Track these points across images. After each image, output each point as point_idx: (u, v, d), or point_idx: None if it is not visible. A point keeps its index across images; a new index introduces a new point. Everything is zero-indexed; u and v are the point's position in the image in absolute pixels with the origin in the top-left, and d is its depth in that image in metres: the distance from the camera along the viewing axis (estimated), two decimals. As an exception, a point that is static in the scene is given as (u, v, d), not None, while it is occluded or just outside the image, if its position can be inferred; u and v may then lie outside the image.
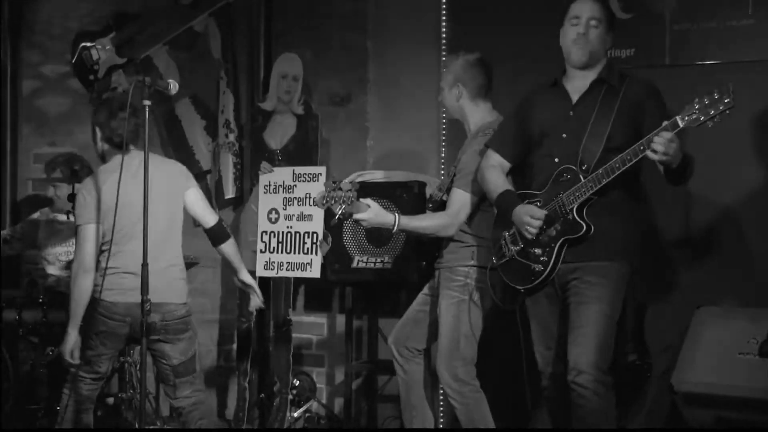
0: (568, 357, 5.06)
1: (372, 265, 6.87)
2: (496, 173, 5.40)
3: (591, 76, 5.21)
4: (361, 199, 5.68)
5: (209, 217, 6.10)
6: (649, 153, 4.70)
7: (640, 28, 6.85)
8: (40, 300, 7.17)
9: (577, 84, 5.24)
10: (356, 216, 5.72)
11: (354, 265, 7.01)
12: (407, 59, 7.63)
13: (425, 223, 5.95)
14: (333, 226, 6.48)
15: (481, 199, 5.89)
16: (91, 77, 8.27)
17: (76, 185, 6.37)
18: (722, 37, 6.66)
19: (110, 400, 6.38)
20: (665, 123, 4.70)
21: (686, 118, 4.65)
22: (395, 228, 5.85)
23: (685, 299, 6.60)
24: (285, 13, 7.95)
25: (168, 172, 6.04)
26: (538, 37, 5.60)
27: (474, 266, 5.97)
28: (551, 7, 6.26)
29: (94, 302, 5.81)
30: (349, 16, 7.72)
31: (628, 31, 6.82)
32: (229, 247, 6.18)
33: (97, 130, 6.02)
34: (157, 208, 5.78)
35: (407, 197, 6.53)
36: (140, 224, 5.51)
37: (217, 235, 6.00)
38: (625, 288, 5.20)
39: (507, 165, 5.44)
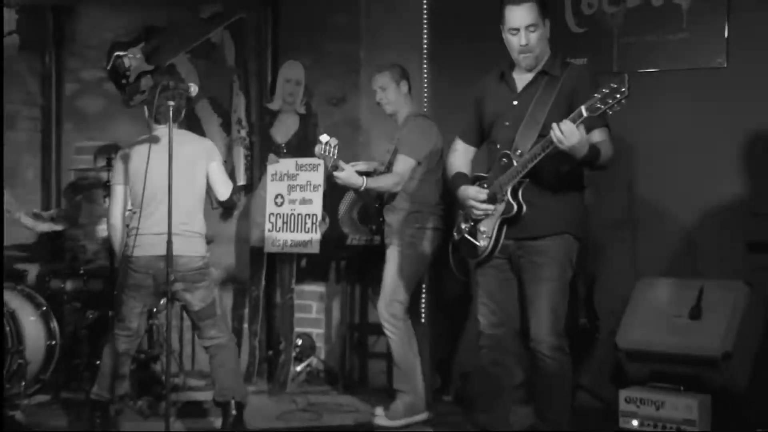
0: (530, 329, 5.01)
1: (363, 242, 7.01)
2: (456, 157, 5.33)
3: (537, 68, 5.05)
4: (341, 162, 5.95)
5: (222, 190, 6.14)
6: (555, 141, 4.56)
7: (591, 41, 6.96)
8: (81, 272, 7.26)
9: (525, 75, 5.08)
10: (334, 173, 6.02)
11: (348, 242, 7.15)
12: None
13: (382, 182, 6.29)
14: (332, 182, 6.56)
15: (423, 168, 6.26)
16: (124, 81, 8.27)
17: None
18: (661, 48, 6.77)
19: (142, 356, 6.49)
20: (572, 114, 4.55)
21: (589, 107, 4.50)
22: (363, 187, 6.15)
23: (629, 271, 6.74)
24: (289, 26, 8.01)
25: (195, 148, 6.16)
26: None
27: (417, 228, 6.29)
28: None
29: (126, 259, 5.99)
30: (345, 29, 7.78)
31: (581, 43, 6.99)
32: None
33: (145, 108, 6.17)
34: (181, 177, 5.86)
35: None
36: (162, 190, 5.70)
37: (227, 206, 5.97)
38: (572, 259, 5.08)
39: (472, 149, 5.34)
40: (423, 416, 6.44)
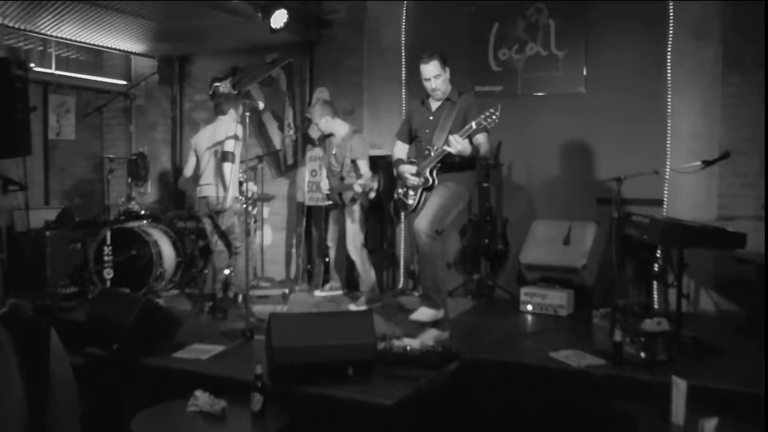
0: (414, 221, 5.01)
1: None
2: (398, 149, 5.42)
3: (443, 98, 5.15)
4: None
5: (227, 147, 6.09)
6: (448, 147, 4.79)
7: (505, 75, 7.06)
8: (195, 215, 7.12)
9: (436, 102, 5.18)
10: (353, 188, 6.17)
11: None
12: (384, 90, 7.60)
13: (368, 183, 6.23)
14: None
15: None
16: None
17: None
18: (547, 81, 6.89)
19: (232, 268, 6.41)
20: (465, 127, 4.79)
21: (477, 123, 4.75)
22: (373, 188, 6.35)
23: (528, 216, 6.88)
24: (319, 66, 7.99)
25: (219, 131, 6.22)
26: (460, 79, 5.64)
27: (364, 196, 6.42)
28: (467, 58, 6.50)
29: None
30: (353, 68, 7.76)
31: (499, 77, 7.07)
32: (226, 168, 6.12)
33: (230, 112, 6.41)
34: (214, 149, 6.13)
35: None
36: (208, 160, 6.12)
37: (223, 157, 6.12)
38: (460, 200, 5.13)
39: (406, 145, 5.41)
40: (378, 305, 6.40)
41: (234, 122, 6.31)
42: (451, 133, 4.94)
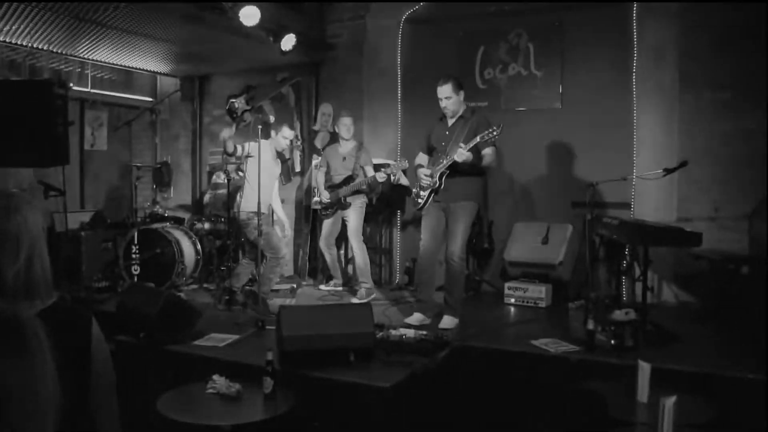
0: (447, 249, 5.22)
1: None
2: (419, 159, 5.54)
3: (457, 115, 5.27)
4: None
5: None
6: (455, 157, 4.97)
7: (490, 92, 7.07)
8: (213, 219, 7.27)
9: (452, 119, 5.27)
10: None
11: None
12: (381, 106, 7.57)
13: (382, 172, 6.29)
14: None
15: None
16: (234, 116, 7.85)
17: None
18: (527, 97, 6.89)
19: (259, 268, 6.51)
20: (473, 140, 4.96)
21: (482, 137, 4.94)
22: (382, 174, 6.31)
23: (510, 218, 6.89)
24: (324, 84, 7.98)
25: (269, 147, 6.15)
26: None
27: (363, 200, 6.55)
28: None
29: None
30: (354, 86, 7.73)
31: (486, 93, 7.09)
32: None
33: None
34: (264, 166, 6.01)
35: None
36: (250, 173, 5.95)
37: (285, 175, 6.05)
38: (474, 214, 5.29)
39: (426, 156, 5.49)
40: (374, 295, 6.43)
41: (272, 144, 6.31)
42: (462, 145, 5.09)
